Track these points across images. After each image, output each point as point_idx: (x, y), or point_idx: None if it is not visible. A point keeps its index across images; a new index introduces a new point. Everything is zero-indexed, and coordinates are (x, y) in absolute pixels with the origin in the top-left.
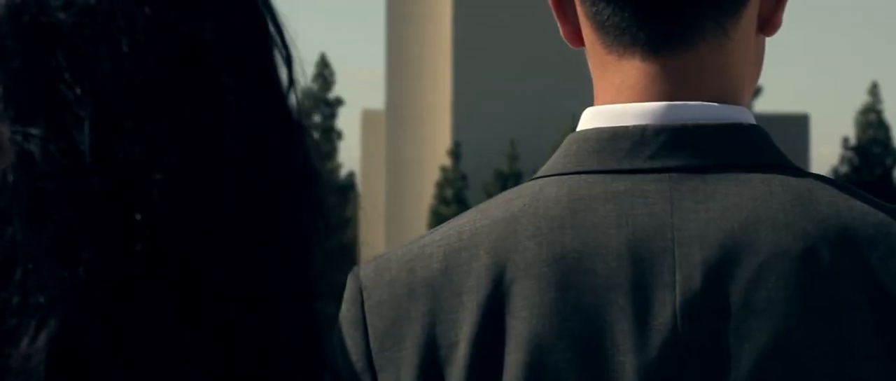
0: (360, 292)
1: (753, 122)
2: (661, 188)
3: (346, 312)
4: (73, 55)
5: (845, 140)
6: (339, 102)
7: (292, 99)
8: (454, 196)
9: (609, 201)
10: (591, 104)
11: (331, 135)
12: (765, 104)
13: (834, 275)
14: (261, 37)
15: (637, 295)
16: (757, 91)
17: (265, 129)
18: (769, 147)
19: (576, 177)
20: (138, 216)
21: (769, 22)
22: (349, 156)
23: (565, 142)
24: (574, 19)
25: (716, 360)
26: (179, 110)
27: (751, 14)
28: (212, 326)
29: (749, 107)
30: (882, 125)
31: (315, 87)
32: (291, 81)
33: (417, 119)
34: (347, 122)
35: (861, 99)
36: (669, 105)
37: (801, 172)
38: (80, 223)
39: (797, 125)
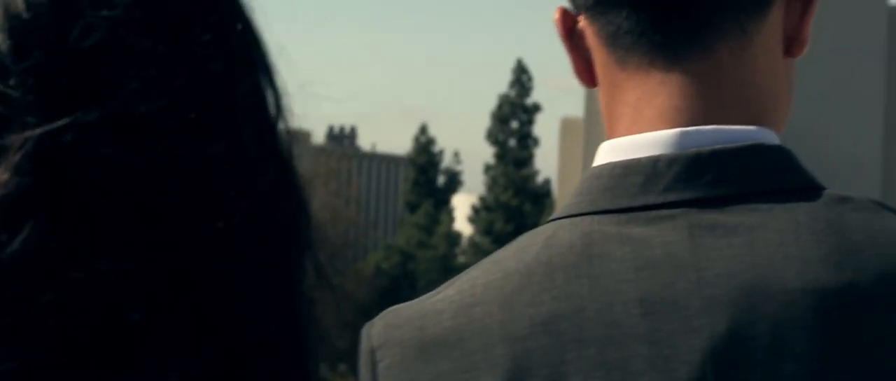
0: (372, 353)
1: (776, 142)
2: (677, 225)
3: (363, 375)
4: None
5: None
6: (536, 108)
7: (281, 127)
8: None
9: (625, 244)
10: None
11: (527, 141)
12: None
13: (875, 313)
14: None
15: (663, 344)
16: None
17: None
18: (793, 169)
19: (588, 219)
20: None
21: (795, 40)
22: (546, 163)
23: (581, 178)
24: (584, 51)
25: None
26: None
27: (774, 22)
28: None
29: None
30: None
31: (512, 93)
32: (279, 108)
33: None
34: (546, 129)
35: None
36: (683, 132)
37: (827, 195)
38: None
39: None
